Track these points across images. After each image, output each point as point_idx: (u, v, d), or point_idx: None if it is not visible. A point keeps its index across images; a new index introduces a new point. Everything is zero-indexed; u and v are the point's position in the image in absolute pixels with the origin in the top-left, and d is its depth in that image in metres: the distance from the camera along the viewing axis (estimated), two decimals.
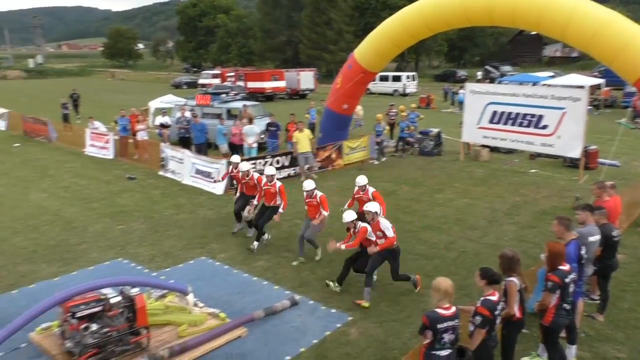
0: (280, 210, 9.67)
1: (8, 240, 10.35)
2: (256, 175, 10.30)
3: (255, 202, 10.02)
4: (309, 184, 9.23)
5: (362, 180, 9.41)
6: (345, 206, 9.47)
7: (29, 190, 14.08)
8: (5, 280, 8.51)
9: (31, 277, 8.62)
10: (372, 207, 7.90)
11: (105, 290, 6.33)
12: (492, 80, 39.86)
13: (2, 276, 8.69)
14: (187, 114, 17.49)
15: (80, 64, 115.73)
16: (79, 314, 6.01)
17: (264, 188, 9.80)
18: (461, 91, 27.66)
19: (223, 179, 13.01)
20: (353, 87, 16.21)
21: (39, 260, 9.36)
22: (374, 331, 7.03)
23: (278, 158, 15.18)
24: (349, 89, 16.21)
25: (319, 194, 9.22)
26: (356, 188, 9.48)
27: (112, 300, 6.22)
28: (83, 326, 6.02)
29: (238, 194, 10.73)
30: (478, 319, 4.84)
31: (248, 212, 10.16)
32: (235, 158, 11.04)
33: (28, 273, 8.78)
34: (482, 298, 4.96)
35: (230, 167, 11.12)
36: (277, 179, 10.09)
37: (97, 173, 16.18)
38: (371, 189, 9.39)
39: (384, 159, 17.71)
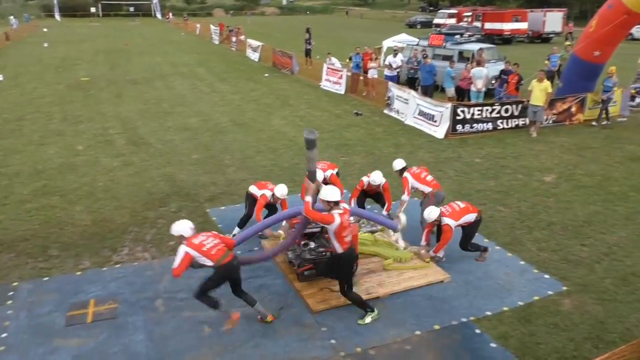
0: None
1: (252, 158, 12.01)
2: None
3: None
4: (397, 163, 8.37)
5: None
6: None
7: (271, 117, 15.94)
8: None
9: None
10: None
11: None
12: None
13: (243, 188, 10.20)
14: (418, 55, 17.35)
15: (324, 2, 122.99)
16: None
17: None
18: None
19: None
20: (611, 31, 13.85)
21: (274, 178, 10.63)
22: (592, 308, 6.34)
23: (507, 106, 14.16)
24: (606, 33, 13.92)
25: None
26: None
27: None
28: (303, 242, 6.77)
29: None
30: None
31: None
32: (280, 190, 7.86)
33: None
34: None
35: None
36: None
37: (329, 106, 17.42)
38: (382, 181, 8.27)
39: (605, 123, 14.87)
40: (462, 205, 7.30)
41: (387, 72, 18.25)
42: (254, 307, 6.02)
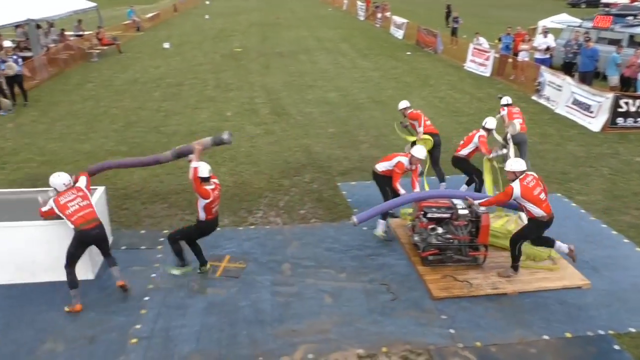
0: None
1: (386, 136, 11.90)
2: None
3: None
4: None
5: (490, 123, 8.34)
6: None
7: (410, 96, 15.61)
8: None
9: None
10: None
11: (456, 201, 6.73)
12: None
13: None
14: (580, 38, 15.74)
15: None
16: (429, 215, 6.62)
17: None
18: None
19: None
20: None
21: None
22: None
23: None
24: None
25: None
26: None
27: (461, 212, 6.57)
28: (431, 227, 6.62)
29: None
30: None
31: None
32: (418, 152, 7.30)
33: None
34: None
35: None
36: None
37: (471, 89, 16.63)
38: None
39: None
40: (542, 196, 6.14)
41: (537, 54, 16.85)
42: (111, 268, 6.06)
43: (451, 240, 6.62)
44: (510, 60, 17.87)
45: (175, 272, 6.59)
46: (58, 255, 6.03)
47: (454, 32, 24.77)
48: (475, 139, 8.18)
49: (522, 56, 17.36)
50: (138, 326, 5.64)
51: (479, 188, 8.25)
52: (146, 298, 6.11)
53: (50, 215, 5.89)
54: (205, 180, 6.18)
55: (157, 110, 13.98)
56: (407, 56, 22.68)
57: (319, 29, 32.24)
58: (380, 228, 7.39)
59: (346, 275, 6.57)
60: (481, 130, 8.31)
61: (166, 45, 24.66)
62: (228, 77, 18.11)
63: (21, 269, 6.27)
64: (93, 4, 25.02)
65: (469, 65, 19.65)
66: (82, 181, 6.20)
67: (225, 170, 9.93)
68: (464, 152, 8.35)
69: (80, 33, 23.45)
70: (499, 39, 19.74)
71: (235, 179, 9.55)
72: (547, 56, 16.68)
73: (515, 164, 6.25)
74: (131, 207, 8.45)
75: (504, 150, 8.32)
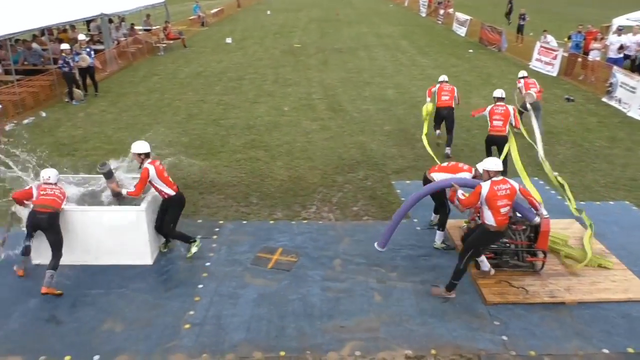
0: None
1: (443, 134, 11.65)
2: None
3: None
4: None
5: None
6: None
7: (470, 95, 15.22)
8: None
9: None
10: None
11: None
12: None
13: (429, 165, 10.04)
14: None
15: None
16: None
17: None
18: None
19: None
20: None
21: (464, 159, 10.18)
22: None
23: None
24: None
25: None
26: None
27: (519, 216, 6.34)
28: None
29: None
30: None
31: None
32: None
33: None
34: None
35: None
36: None
37: None
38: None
39: None
40: (504, 210, 5.72)
41: (610, 54, 15.97)
42: (47, 270, 6.03)
43: (508, 245, 6.41)
44: (580, 59, 17.04)
45: (193, 249, 6.90)
46: (121, 241, 6.33)
47: (520, 29, 23.86)
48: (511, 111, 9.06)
49: (593, 56, 16.51)
50: (192, 312, 5.83)
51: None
52: (200, 286, 6.30)
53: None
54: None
55: (218, 104, 14.34)
56: (469, 54, 22.09)
57: (379, 26, 31.96)
58: (438, 239, 7.16)
59: (397, 275, 6.51)
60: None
61: (228, 40, 25.22)
62: (287, 73, 18.30)
63: (86, 251, 6.62)
64: (161, 0, 25.97)
65: (535, 64, 18.90)
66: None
67: (281, 164, 10.06)
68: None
69: (149, 27, 24.40)
70: (569, 37, 18.87)
71: (291, 174, 9.65)
72: (621, 55, 15.77)
73: (490, 163, 5.98)
74: (189, 197, 8.69)
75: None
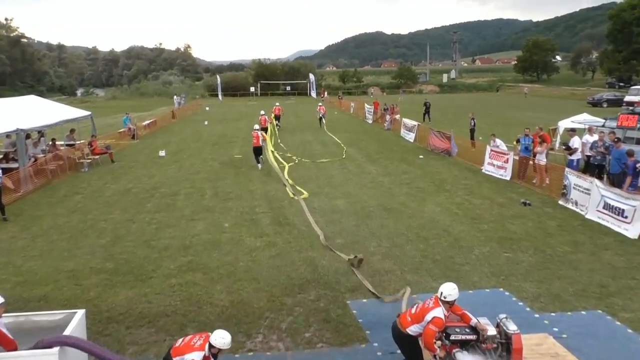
0: None
1: (401, 247, 11.92)
2: None
3: None
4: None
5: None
6: None
7: (425, 202, 15.84)
8: (393, 285, 9.82)
9: (416, 286, 9.66)
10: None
11: (483, 321, 6.52)
12: None
13: (389, 280, 10.10)
14: (606, 138, 16.25)
15: (490, 79, 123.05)
16: (453, 337, 6.39)
17: None
18: None
19: None
20: None
21: (424, 272, 10.41)
22: None
23: None
24: None
25: None
26: None
27: (489, 333, 6.36)
28: (455, 350, 6.37)
29: None
30: None
31: None
32: None
33: (413, 282, 9.89)
34: None
35: None
36: None
37: (490, 193, 16.84)
38: None
39: None
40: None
41: (572, 156, 17.33)
42: None
43: None
44: (531, 162, 18.29)
45: None
46: None
47: (472, 133, 25.59)
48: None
49: (539, 158, 17.73)
50: None
51: None
52: None
53: None
54: None
55: (149, 223, 14.15)
56: (420, 160, 23.28)
57: (324, 133, 33.48)
58: None
59: None
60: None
61: (162, 153, 25.58)
62: (227, 186, 18.52)
63: None
64: (87, 113, 26.44)
65: (487, 168, 20.08)
66: None
67: (222, 288, 9.80)
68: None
69: (72, 142, 24.51)
70: (517, 141, 20.37)
71: (233, 298, 9.39)
72: (579, 157, 17.11)
73: (454, 292, 6.45)
74: (114, 332, 8.24)
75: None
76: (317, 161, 23.22)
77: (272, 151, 22.76)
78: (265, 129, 26.72)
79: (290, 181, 18.69)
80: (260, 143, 21.76)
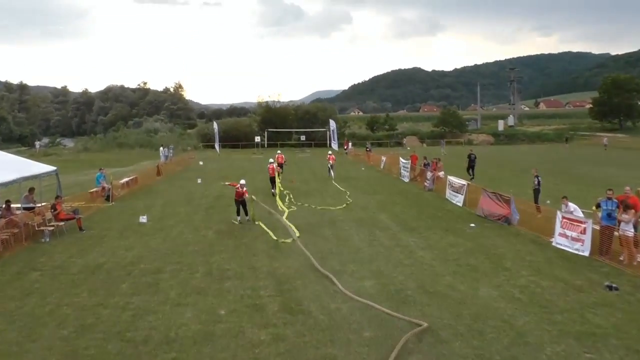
0: None
1: (448, 342, 11.64)
2: None
3: None
4: None
5: None
6: None
7: (478, 285, 15.60)
8: None
9: None
10: None
11: None
12: None
13: None
14: None
15: (558, 126, 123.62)
16: None
17: None
18: None
19: None
20: None
21: None
22: None
23: None
24: None
25: None
26: None
27: None
28: None
29: None
30: None
31: None
32: None
33: None
34: None
35: None
36: None
37: (564, 273, 16.56)
38: None
39: None
40: None
41: None
42: None
43: None
44: (616, 233, 18.04)
45: None
46: None
47: (535, 195, 25.44)
48: None
49: (624, 227, 17.49)
50: None
51: None
52: None
53: None
54: None
55: (124, 309, 14.09)
56: (471, 229, 23.12)
57: (350, 195, 33.55)
58: None
59: None
60: None
61: (143, 219, 25.79)
62: (224, 261, 18.49)
63: None
64: (51, 168, 26.91)
65: (559, 241, 19.84)
66: None
67: None
68: None
69: (31, 205, 24.84)
70: (598, 205, 20.15)
71: None
72: None
73: None
74: None
75: None
76: (338, 231, 23.18)
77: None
78: (272, 179, 34.10)
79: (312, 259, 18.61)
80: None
